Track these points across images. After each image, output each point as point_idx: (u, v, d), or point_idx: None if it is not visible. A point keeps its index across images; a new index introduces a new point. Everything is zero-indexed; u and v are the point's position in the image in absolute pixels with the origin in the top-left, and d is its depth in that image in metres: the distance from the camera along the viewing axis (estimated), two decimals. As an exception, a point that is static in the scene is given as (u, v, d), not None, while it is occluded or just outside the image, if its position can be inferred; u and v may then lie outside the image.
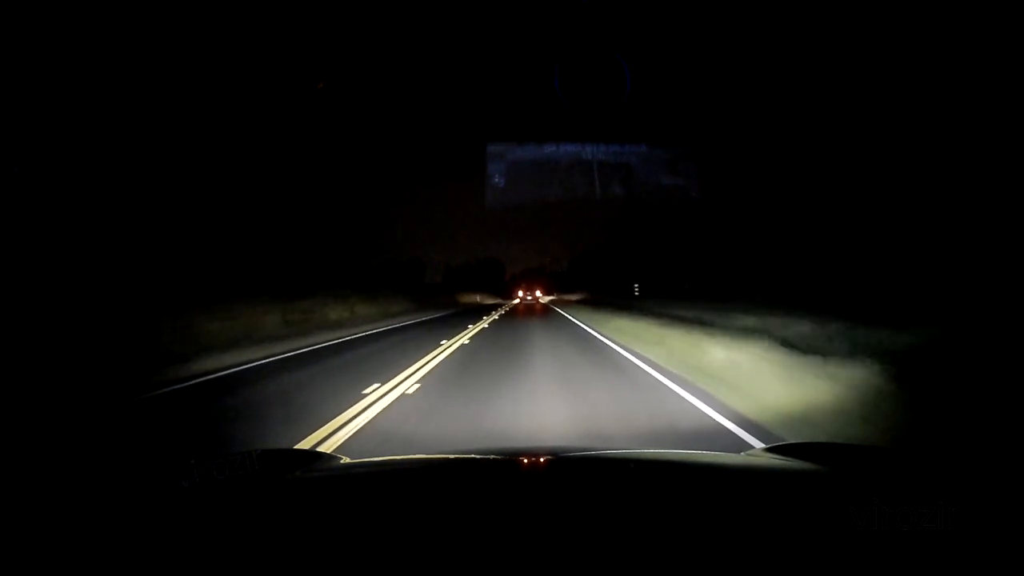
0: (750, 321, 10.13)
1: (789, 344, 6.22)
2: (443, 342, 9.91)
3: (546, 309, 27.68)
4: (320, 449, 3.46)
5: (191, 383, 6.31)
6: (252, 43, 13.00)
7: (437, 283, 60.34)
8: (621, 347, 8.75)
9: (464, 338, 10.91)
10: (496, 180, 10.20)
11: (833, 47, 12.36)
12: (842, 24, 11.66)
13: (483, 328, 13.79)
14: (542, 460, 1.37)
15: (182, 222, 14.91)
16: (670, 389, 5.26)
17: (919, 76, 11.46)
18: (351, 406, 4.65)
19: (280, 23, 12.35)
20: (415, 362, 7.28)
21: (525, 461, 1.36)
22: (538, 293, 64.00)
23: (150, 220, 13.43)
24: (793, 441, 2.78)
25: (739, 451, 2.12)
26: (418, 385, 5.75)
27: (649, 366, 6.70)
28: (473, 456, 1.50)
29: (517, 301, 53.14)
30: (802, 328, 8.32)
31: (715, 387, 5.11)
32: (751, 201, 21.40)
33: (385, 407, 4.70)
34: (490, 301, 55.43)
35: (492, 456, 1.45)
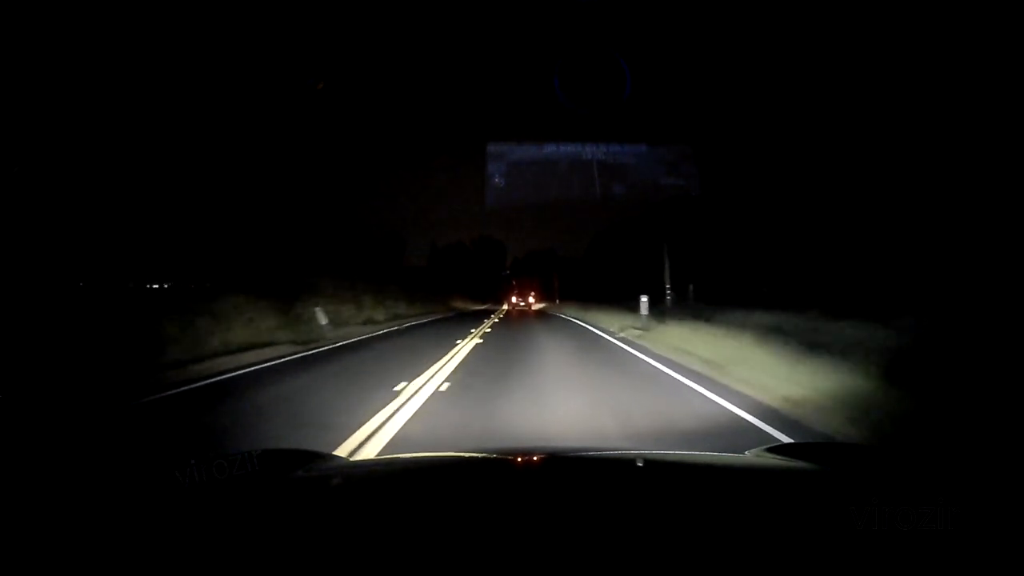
0: None
1: None
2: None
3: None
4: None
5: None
6: (251, 41, 12.98)
7: (421, 267, 48.90)
8: None
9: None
10: (496, 180, 10.21)
11: (833, 47, 12.36)
12: (842, 24, 11.66)
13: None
14: (543, 460, 1.37)
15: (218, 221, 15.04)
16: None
17: (920, 76, 11.45)
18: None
19: (279, 21, 12.33)
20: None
21: (526, 461, 1.36)
22: (531, 299, 58.54)
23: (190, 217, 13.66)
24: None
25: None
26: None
27: None
28: (474, 455, 1.50)
29: (507, 308, 46.48)
30: None
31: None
32: (760, 199, 20.51)
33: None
34: (479, 307, 47.76)
35: (492, 456, 1.45)
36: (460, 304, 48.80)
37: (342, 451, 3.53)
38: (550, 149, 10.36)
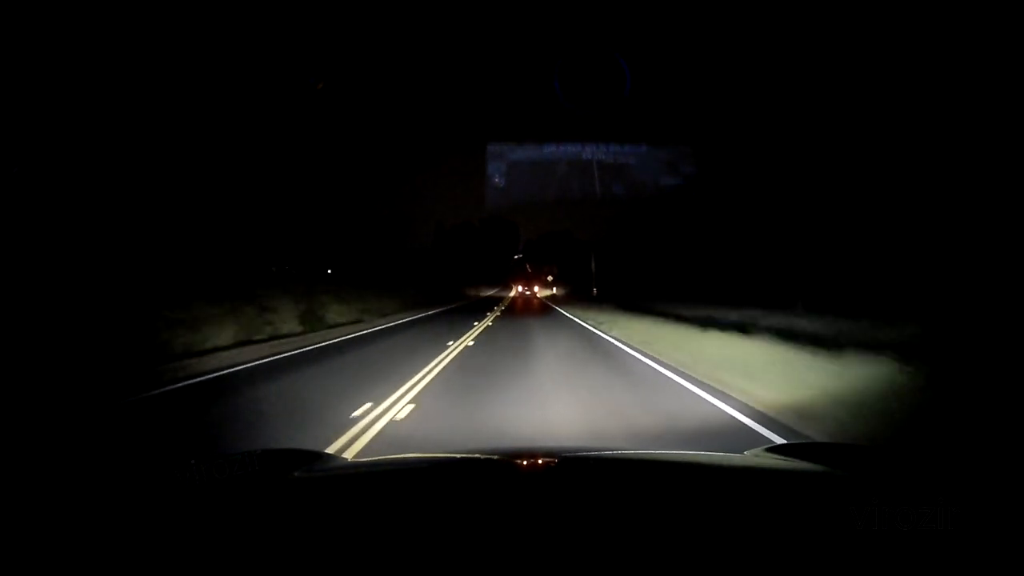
0: None
1: None
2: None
3: None
4: None
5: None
6: (251, 41, 12.99)
7: (425, 247, 47.02)
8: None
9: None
10: (496, 180, 10.24)
11: (832, 47, 12.34)
12: (841, 24, 11.64)
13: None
14: (544, 460, 1.37)
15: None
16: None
17: (919, 77, 11.43)
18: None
19: (281, 21, 12.34)
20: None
21: (526, 461, 1.36)
22: (536, 289, 50.78)
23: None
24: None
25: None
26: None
27: None
28: (474, 456, 1.51)
29: (515, 293, 44.70)
30: None
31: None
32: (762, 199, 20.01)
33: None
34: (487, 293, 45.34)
35: (493, 456, 1.45)
36: (472, 291, 44.12)
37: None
38: (550, 149, 10.38)
